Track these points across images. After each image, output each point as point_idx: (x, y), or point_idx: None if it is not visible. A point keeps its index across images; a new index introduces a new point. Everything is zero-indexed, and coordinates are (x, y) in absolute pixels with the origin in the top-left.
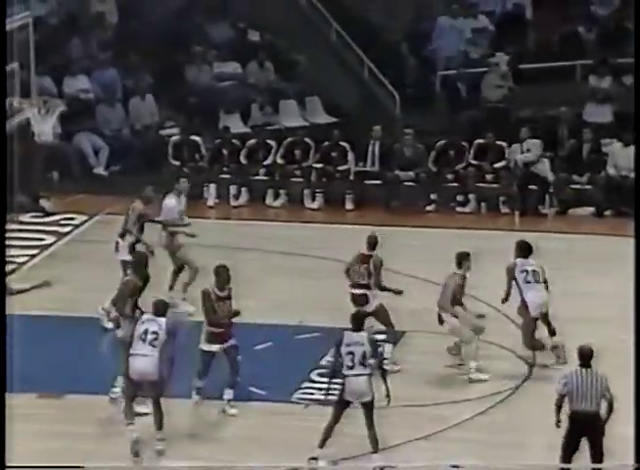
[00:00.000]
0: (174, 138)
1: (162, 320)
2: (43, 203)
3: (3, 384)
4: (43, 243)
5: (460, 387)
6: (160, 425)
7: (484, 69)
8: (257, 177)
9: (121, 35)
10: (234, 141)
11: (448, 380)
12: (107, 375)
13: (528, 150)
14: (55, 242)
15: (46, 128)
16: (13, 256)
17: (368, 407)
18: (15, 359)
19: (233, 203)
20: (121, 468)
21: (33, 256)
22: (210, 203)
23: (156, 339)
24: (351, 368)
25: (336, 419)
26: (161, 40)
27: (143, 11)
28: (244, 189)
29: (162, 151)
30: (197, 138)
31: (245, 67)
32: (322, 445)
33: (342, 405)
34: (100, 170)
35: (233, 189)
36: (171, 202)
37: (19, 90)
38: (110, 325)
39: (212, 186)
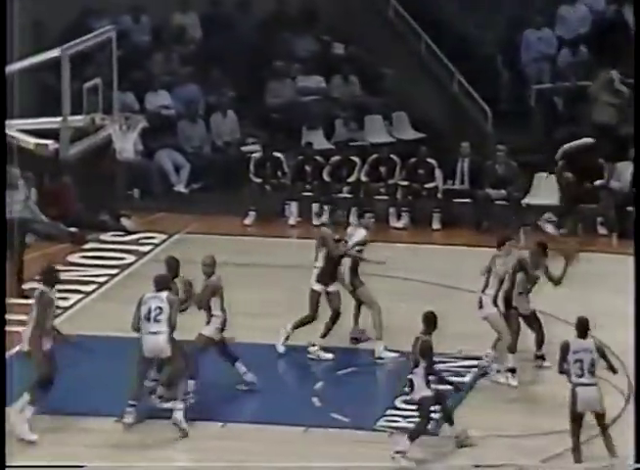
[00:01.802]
0: (256, 155)
1: (164, 294)
2: (124, 221)
3: (3, 385)
4: (123, 262)
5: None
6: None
7: (585, 83)
8: (341, 195)
9: (204, 50)
10: (317, 158)
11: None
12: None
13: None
14: (135, 261)
15: (127, 145)
16: (94, 275)
17: (601, 417)
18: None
19: (315, 221)
20: (120, 468)
21: (114, 275)
22: (292, 222)
23: (160, 313)
24: (580, 377)
25: (576, 434)
26: (244, 55)
27: (226, 25)
28: (326, 207)
29: (244, 168)
30: (279, 155)
31: (329, 81)
32: (578, 459)
33: (576, 418)
34: (181, 188)
35: (315, 207)
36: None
37: (101, 106)
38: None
39: (294, 204)
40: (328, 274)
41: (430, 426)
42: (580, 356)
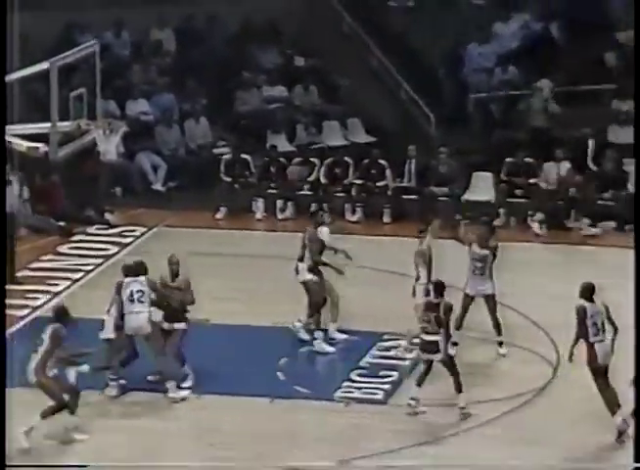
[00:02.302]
0: (226, 157)
1: (142, 278)
2: (107, 216)
3: (3, 383)
4: (107, 253)
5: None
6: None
7: (517, 92)
8: (302, 192)
9: (178, 62)
10: (281, 159)
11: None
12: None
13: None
14: (118, 252)
15: (110, 148)
16: (81, 264)
17: (607, 371)
18: None
19: (280, 216)
20: (121, 468)
21: (99, 264)
22: (259, 216)
23: (142, 295)
24: (596, 335)
25: (604, 385)
26: (215, 66)
27: (198, 39)
28: (290, 203)
29: (215, 168)
30: (247, 156)
31: (291, 90)
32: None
33: (599, 372)
34: (158, 186)
35: (279, 203)
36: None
37: (86, 113)
38: (306, 336)
39: (261, 200)
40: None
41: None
42: (595, 318)
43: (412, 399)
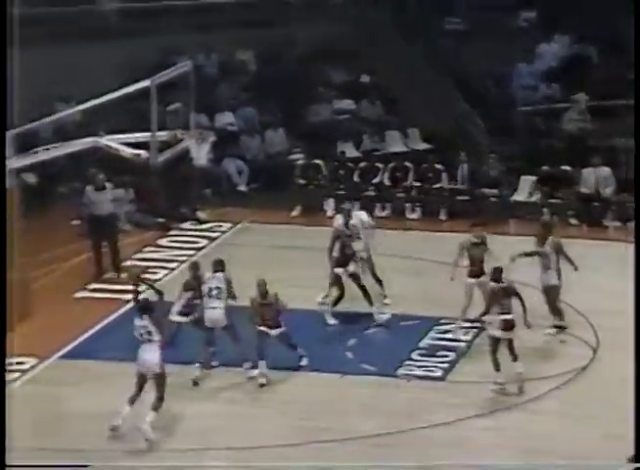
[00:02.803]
0: (300, 162)
1: (221, 275)
2: (199, 213)
3: (3, 381)
4: (198, 245)
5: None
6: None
7: (557, 105)
8: (367, 193)
9: (259, 80)
10: (349, 164)
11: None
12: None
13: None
14: (207, 245)
15: (201, 154)
16: (177, 255)
17: None
18: None
19: None
20: (124, 468)
21: (191, 255)
22: (329, 214)
23: (219, 292)
24: None
25: None
26: (291, 83)
27: (276, 59)
28: (356, 203)
29: (291, 172)
30: (318, 161)
31: (357, 103)
32: None
33: None
34: (242, 188)
35: (347, 203)
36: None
37: (181, 124)
38: (332, 321)
39: (331, 200)
40: (343, 260)
41: None
42: None
43: (496, 383)
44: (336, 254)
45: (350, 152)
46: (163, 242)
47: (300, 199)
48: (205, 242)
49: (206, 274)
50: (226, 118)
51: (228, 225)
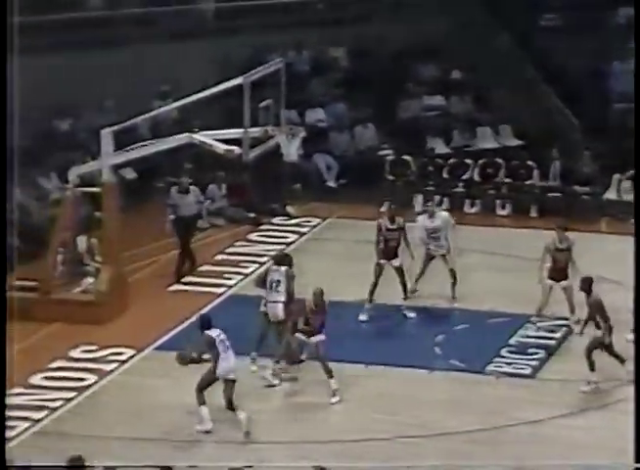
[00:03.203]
0: (389, 158)
1: (283, 269)
2: (289, 208)
3: (3, 382)
4: (288, 240)
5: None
6: (283, 357)
7: None
8: (457, 189)
9: (350, 76)
10: (438, 160)
11: None
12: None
13: None
14: (297, 239)
15: (292, 150)
16: (267, 250)
17: None
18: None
19: (436, 209)
20: (127, 468)
21: (281, 249)
22: (419, 210)
23: (279, 285)
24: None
25: None
26: (381, 80)
27: (367, 56)
28: (446, 199)
29: (380, 168)
30: (408, 157)
31: (448, 100)
32: None
33: None
34: (331, 183)
35: (437, 199)
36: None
37: (272, 121)
38: (412, 315)
39: (420, 196)
40: (389, 252)
41: None
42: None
43: (589, 382)
44: (382, 246)
45: (440, 148)
46: (254, 236)
47: (389, 195)
48: (294, 237)
49: (272, 266)
50: (316, 115)
51: (317, 220)
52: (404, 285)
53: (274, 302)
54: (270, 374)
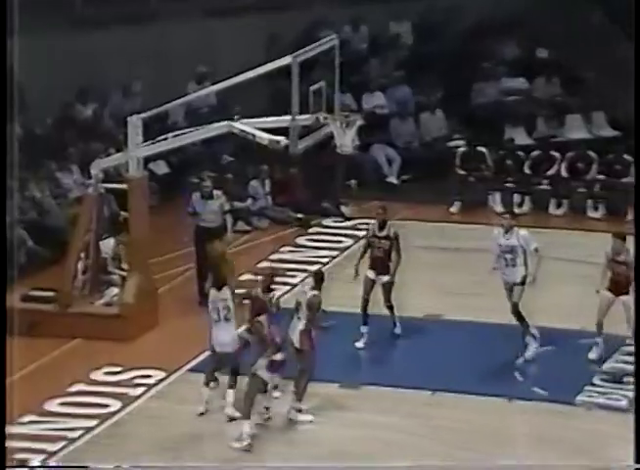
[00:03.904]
0: (461, 149)
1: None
2: (343, 208)
3: (3, 383)
4: (342, 245)
5: None
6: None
7: None
8: (541, 187)
9: (415, 55)
10: (518, 152)
11: None
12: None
13: None
14: (353, 244)
15: (346, 141)
16: (318, 256)
17: None
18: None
19: (516, 210)
20: (124, 469)
21: (334, 256)
22: (499, 210)
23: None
24: None
25: None
26: (452, 59)
27: (436, 32)
28: (527, 198)
29: (450, 161)
30: (483, 149)
31: (531, 82)
32: None
33: None
34: (392, 179)
35: (516, 197)
36: None
37: (324, 106)
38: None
39: (497, 194)
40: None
41: None
42: None
43: None
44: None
45: (521, 138)
46: (303, 240)
47: (461, 192)
48: (349, 241)
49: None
50: (376, 100)
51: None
52: (390, 308)
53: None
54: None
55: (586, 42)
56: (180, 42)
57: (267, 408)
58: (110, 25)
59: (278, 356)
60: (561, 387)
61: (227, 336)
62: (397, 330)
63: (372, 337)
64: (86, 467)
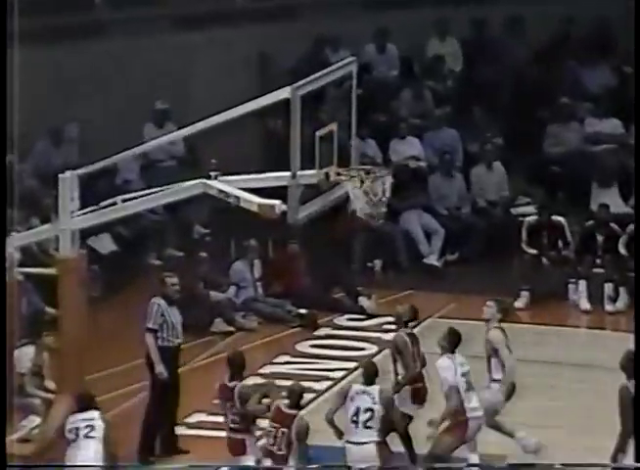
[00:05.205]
0: (530, 218)
1: (376, 388)
2: (363, 301)
3: (3, 383)
4: (363, 353)
5: None
6: None
7: None
8: None
9: (465, 85)
10: (612, 224)
11: None
12: None
13: None
14: (378, 353)
15: (367, 206)
16: (327, 369)
17: None
18: None
19: (608, 307)
20: (122, 468)
21: (352, 370)
22: (585, 306)
23: (372, 418)
24: None
25: None
26: (516, 91)
27: (493, 53)
28: (622, 289)
29: (514, 235)
30: (560, 219)
31: (628, 125)
32: None
33: None
34: (433, 260)
35: (608, 288)
36: None
37: (336, 158)
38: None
39: (582, 283)
40: None
41: None
42: None
43: None
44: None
45: (614, 204)
46: (305, 347)
47: (529, 280)
48: (373, 348)
49: (354, 387)
50: (409, 148)
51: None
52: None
53: (360, 443)
54: None
55: None
56: (136, 65)
57: None
58: (37, 40)
59: None
60: None
61: None
62: None
63: None
64: (91, 466)
